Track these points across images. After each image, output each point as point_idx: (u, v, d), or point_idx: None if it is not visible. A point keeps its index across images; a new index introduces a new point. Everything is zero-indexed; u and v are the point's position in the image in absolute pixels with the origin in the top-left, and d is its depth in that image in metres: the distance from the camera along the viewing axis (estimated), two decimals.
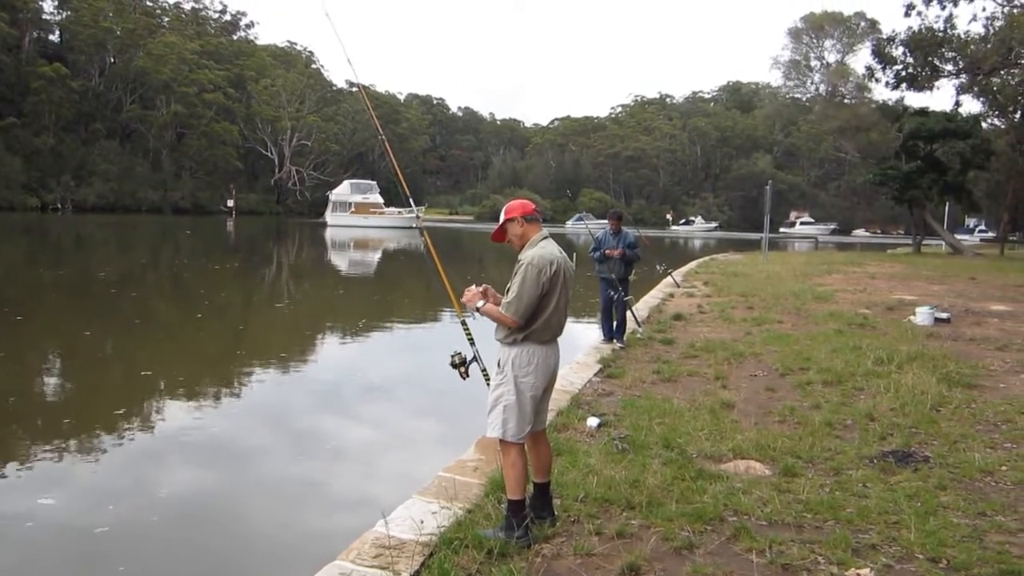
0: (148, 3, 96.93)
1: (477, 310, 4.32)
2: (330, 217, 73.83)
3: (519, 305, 4.16)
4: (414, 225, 6.04)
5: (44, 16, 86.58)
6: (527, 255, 4.27)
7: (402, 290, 24.61)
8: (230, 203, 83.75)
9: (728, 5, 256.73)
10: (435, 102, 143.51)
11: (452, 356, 4.61)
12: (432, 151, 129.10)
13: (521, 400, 4.24)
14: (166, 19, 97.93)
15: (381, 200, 76.09)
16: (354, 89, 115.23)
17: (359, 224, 70.03)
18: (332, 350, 13.87)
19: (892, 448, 6.01)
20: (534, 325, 4.24)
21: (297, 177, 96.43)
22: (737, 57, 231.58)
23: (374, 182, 79.62)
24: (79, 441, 7.76)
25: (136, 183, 78.88)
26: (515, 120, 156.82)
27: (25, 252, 32.61)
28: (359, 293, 23.54)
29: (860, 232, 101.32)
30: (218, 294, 21.22)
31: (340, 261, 37.35)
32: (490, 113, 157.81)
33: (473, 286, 4.40)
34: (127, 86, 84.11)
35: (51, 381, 10.85)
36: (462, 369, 4.61)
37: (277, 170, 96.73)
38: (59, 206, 72.02)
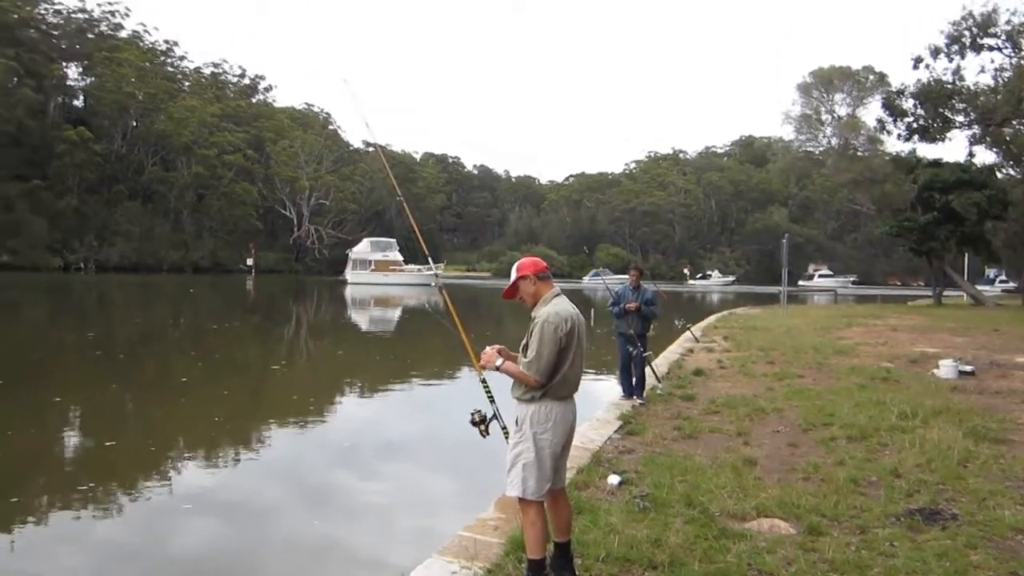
0: (169, 68, 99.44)
1: (497, 368, 4.33)
2: (350, 275, 74.38)
3: (539, 364, 4.18)
4: (432, 283, 6.12)
5: (69, 82, 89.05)
6: (542, 313, 4.30)
7: (421, 347, 24.61)
8: (250, 262, 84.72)
9: (738, 62, 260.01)
10: (451, 160, 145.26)
11: (472, 414, 4.62)
12: (449, 208, 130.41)
13: (540, 457, 4.24)
14: (187, 83, 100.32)
15: (400, 257, 76.70)
16: (371, 149, 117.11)
17: (379, 282, 70.43)
18: (351, 407, 13.87)
19: (919, 505, 5.90)
20: (552, 382, 4.24)
21: (316, 236, 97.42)
22: (749, 112, 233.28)
23: (393, 240, 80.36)
24: (96, 498, 7.77)
25: (157, 243, 79.96)
26: (530, 177, 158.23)
27: (48, 312, 32.95)
28: (379, 350, 23.57)
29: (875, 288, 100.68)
30: (237, 352, 21.33)
31: (360, 319, 37.47)
32: (505, 170, 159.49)
33: (488, 347, 4.41)
34: (149, 148, 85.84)
35: (70, 439, 10.85)
36: (482, 427, 4.62)
37: (296, 229, 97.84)
38: (82, 266, 73.03)
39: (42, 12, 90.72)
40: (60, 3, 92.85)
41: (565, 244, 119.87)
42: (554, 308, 4.30)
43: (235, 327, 29.02)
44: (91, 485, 8.11)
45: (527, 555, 4.32)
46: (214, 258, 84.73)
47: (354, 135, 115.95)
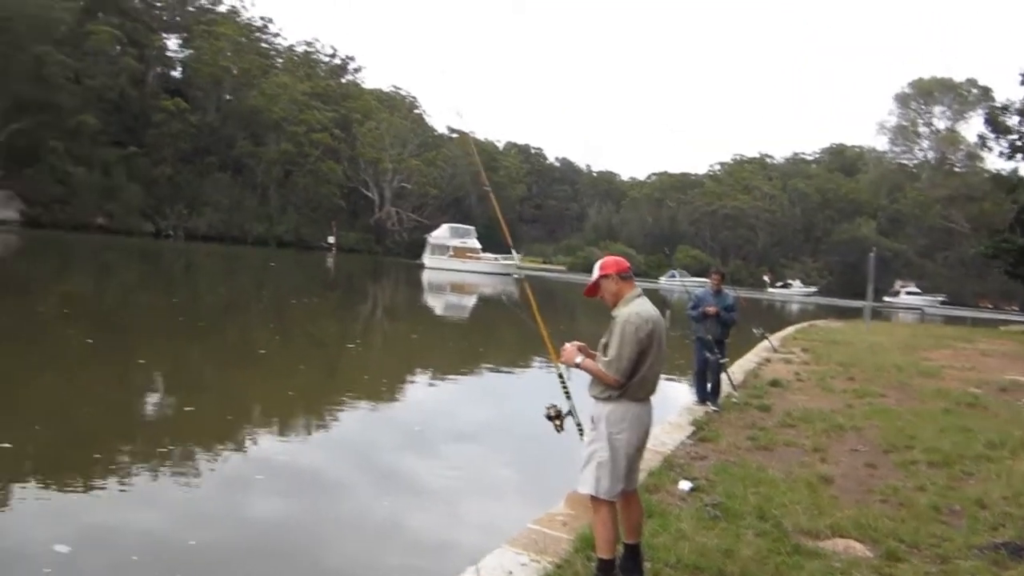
0: (264, 45, 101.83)
1: (577, 365, 4.34)
2: (428, 259, 75.10)
3: (619, 364, 4.18)
4: (515, 275, 6.11)
5: (168, 53, 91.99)
6: (623, 312, 4.30)
7: (494, 336, 24.75)
8: (331, 239, 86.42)
9: (831, 67, 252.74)
10: (533, 151, 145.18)
11: (547, 408, 4.63)
12: (529, 200, 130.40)
13: (615, 457, 4.24)
14: (280, 60, 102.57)
15: (479, 245, 76.99)
16: (455, 135, 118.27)
17: (456, 268, 70.86)
18: (422, 391, 14.00)
19: (1005, 539, 5.63)
20: (630, 382, 4.24)
21: (396, 218, 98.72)
22: (841, 119, 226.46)
23: (472, 227, 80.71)
24: (174, 461, 8.03)
25: (244, 215, 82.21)
26: (612, 173, 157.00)
27: (138, 276, 34.22)
28: (453, 336, 23.78)
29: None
30: (314, 328, 21.79)
31: (436, 303, 37.85)
32: (587, 165, 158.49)
33: (568, 343, 4.42)
34: (241, 122, 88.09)
35: (152, 401, 11.25)
36: (557, 422, 4.62)
37: (377, 210, 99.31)
38: (171, 233, 75.54)
39: None
40: None
41: (643, 243, 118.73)
42: (635, 308, 4.30)
43: (313, 303, 29.64)
44: (170, 448, 8.39)
45: (597, 554, 4.32)
46: (297, 233, 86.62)
47: (439, 120, 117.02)
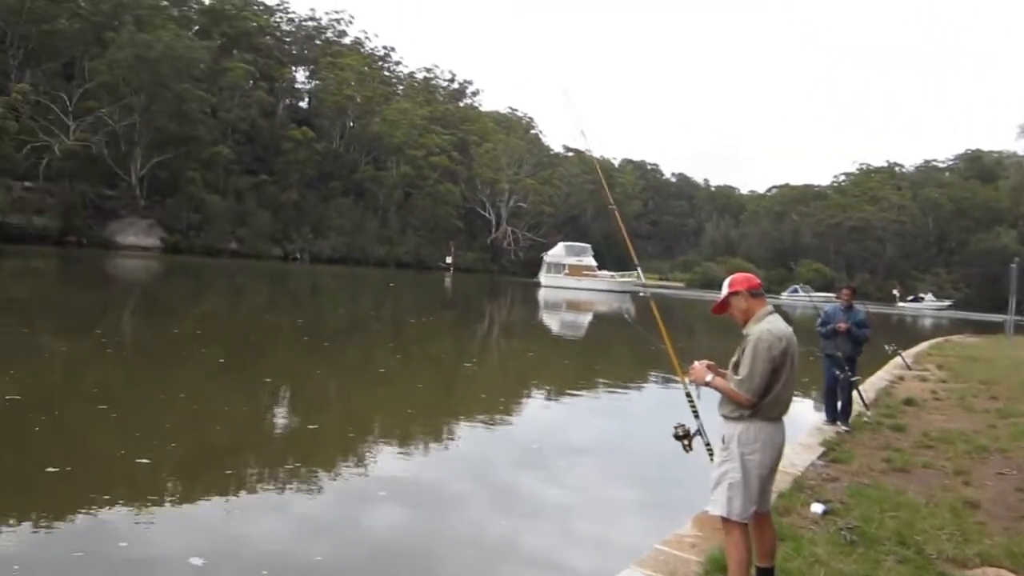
0: (386, 73, 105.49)
1: (707, 384, 4.26)
2: (544, 278, 75.39)
3: (752, 383, 4.07)
4: (640, 293, 6.12)
5: (296, 85, 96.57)
6: (755, 330, 4.18)
7: (611, 354, 24.51)
8: (449, 260, 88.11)
9: (964, 70, 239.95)
10: (649, 167, 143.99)
11: (675, 428, 4.58)
12: (644, 216, 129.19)
13: (747, 478, 4.12)
14: (401, 87, 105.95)
15: (595, 263, 76.81)
16: (570, 154, 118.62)
17: (572, 286, 70.87)
18: (539, 409, 13.93)
19: None
20: (764, 401, 4.12)
21: (512, 237, 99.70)
22: (976, 124, 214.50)
23: (588, 245, 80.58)
24: (299, 476, 8.20)
25: (366, 238, 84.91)
26: (730, 187, 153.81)
27: (266, 298, 35.77)
28: (569, 354, 23.68)
29: None
30: (432, 347, 22.12)
31: (552, 321, 37.83)
32: (704, 179, 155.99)
33: (697, 362, 4.35)
34: (363, 148, 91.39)
35: (278, 419, 11.60)
36: (685, 442, 4.57)
37: (494, 230, 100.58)
38: (298, 256, 78.73)
39: (277, 20, 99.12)
40: (293, 12, 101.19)
41: (764, 257, 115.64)
42: (768, 326, 4.18)
43: (431, 322, 30.16)
44: (296, 464, 8.56)
45: None
46: (416, 254, 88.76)
47: (554, 140, 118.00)
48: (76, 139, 65.49)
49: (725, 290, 4.42)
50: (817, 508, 6.18)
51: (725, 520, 4.18)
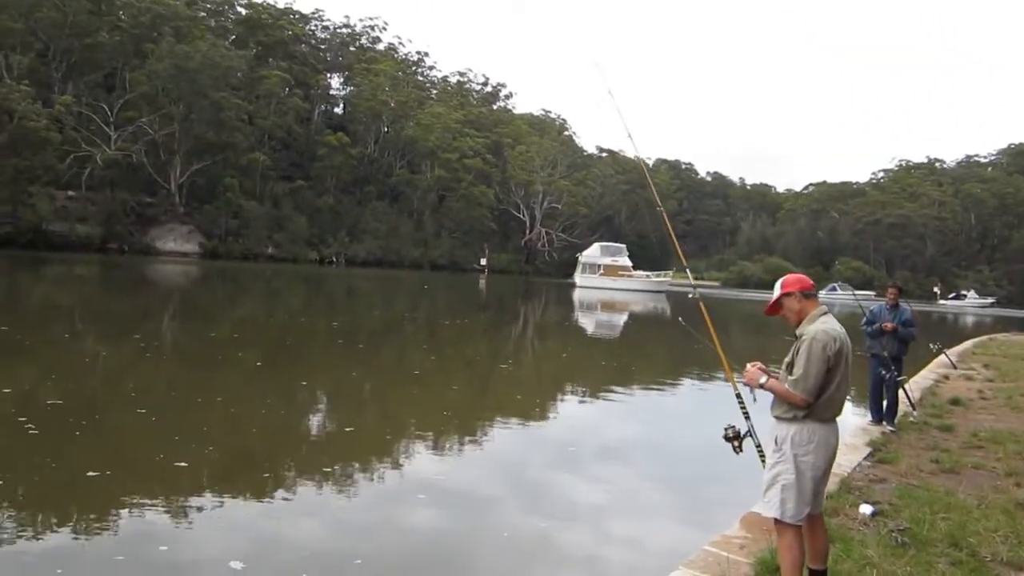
0: (419, 78, 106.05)
1: (760, 386, 4.24)
2: (579, 278, 75.27)
3: (806, 383, 4.04)
4: (691, 294, 6.14)
5: (331, 91, 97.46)
6: (809, 331, 4.16)
7: (647, 354, 24.34)
8: (483, 261, 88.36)
9: (1007, 62, 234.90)
10: (683, 167, 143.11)
11: (726, 429, 4.59)
12: (679, 215, 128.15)
13: (801, 480, 4.10)
14: (434, 91, 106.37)
15: (630, 263, 76.59)
16: (603, 155, 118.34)
17: (607, 286, 70.70)
18: (574, 410, 13.82)
19: None
20: (818, 402, 4.09)
21: (546, 238, 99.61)
22: (1021, 118, 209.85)
23: (623, 245, 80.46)
24: (335, 478, 8.21)
25: (400, 241, 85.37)
26: (766, 185, 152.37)
27: (303, 301, 36.05)
28: (604, 354, 23.54)
29: None
30: (467, 348, 22.12)
31: (587, 322, 37.67)
32: (740, 178, 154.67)
33: (749, 364, 4.34)
34: (397, 152, 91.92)
35: (314, 421, 11.63)
36: (736, 443, 4.56)
37: (528, 231, 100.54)
38: (334, 260, 79.38)
39: (312, 28, 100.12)
40: (328, 20, 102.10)
41: (801, 255, 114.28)
42: (822, 326, 4.16)
43: (466, 323, 30.17)
44: (333, 467, 8.55)
45: None
46: (451, 256, 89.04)
47: (587, 141, 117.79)
48: (117, 148, 66.78)
49: (777, 291, 4.40)
50: (866, 509, 6.07)
51: (778, 522, 4.16)
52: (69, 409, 10.16)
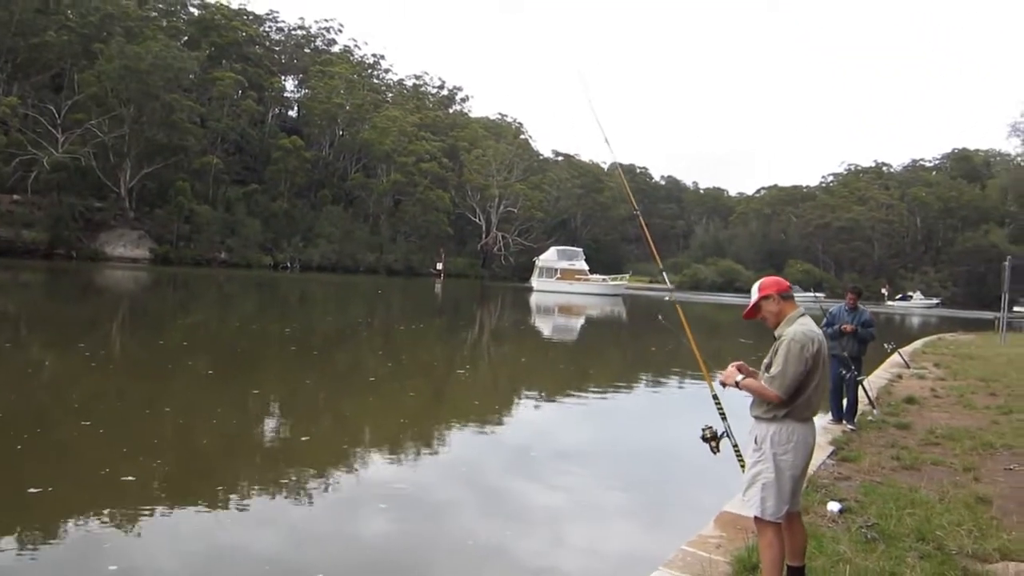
0: (375, 80, 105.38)
1: (736, 384, 4.31)
2: (536, 282, 75.34)
3: (783, 380, 4.12)
4: (667, 297, 6.27)
5: (286, 94, 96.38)
6: (788, 332, 4.25)
7: (603, 357, 24.36)
8: (439, 266, 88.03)
9: (951, 69, 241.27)
10: (638, 171, 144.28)
11: (703, 430, 4.69)
12: (633, 219, 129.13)
13: (780, 479, 4.19)
14: (390, 95, 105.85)
15: (587, 267, 76.92)
16: (559, 159, 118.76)
17: (564, 290, 70.86)
18: (532, 414, 13.71)
19: None
20: (796, 402, 4.17)
21: (503, 243, 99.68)
22: (963, 123, 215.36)
23: (580, 249, 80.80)
24: (289, 487, 7.99)
25: (356, 245, 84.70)
26: (719, 189, 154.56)
27: (256, 307, 35.52)
28: (562, 358, 23.53)
29: None
30: (423, 354, 21.91)
31: (544, 326, 37.66)
32: (693, 182, 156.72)
33: (731, 365, 4.42)
34: (353, 156, 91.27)
35: (267, 430, 11.34)
36: (713, 443, 4.68)
37: (484, 235, 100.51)
38: (288, 265, 78.42)
39: (266, 30, 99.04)
40: (283, 21, 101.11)
41: (753, 258, 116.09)
42: (801, 328, 4.25)
43: (421, 329, 29.94)
44: (289, 476, 8.36)
45: None
46: (407, 261, 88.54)
47: (544, 144, 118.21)
48: (65, 151, 65.10)
49: (755, 295, 4.46)
50: (834, 507, 6.22)
51: (758, 520, 4.24)
52: (8, 422, 9.73)
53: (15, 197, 63.86)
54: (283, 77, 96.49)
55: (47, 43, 66.86)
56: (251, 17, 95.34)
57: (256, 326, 26.21)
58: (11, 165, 62.53)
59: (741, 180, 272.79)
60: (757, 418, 4.29)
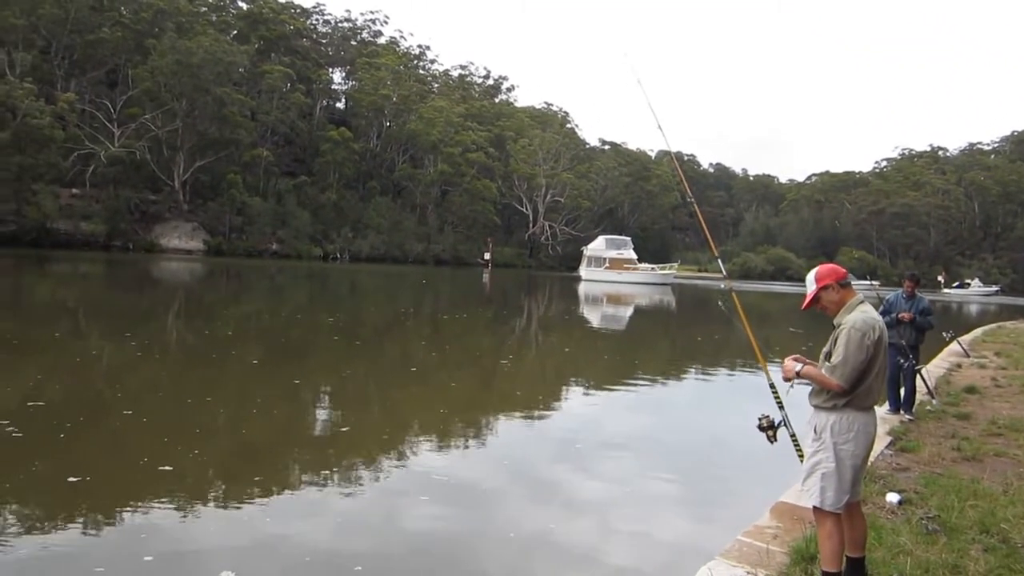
0: (421, 71, 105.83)
1: (797, 374, 4.24)
2: (584, 272, 75.02)
3: (845, 369, 4.04)
4: (723, 286, 6.25)
5: (334, 86, 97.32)
6: (848, 319, 4.17)
7: (651, 347, 24.16)
8: (487, 256, 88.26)
9: (1012, 48, 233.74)
10: (686, 158, 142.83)
11: (760, 419, 4.63)
12: (682, 207, 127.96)
13: (841, 468, 4.11)
14: (436, 85, 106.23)
15: (635, 256, 76.28)
16: (606, 147, 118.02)
17: (613, 279, 70.40)
18: (577, 405, 13.51)
19: None
20: (857, 390, 4.09)
21: (550, 232, 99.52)
22: (1023, 103, 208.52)
23: (628, 238, 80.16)
24: (334, 477, 7.97)
25: (404, 236, 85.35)
26: (769, 176, 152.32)
27: (306, 297, 35.93)
28: (608, 348, 23.38)
29: None
30: (468, 343, 21.89)
31: (592, 315, 37.45)
32: (743, 169, 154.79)
33: (788, 358, 4.35)
34: (400, 147, 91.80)
35: (311, 420, 11.33)
36: (770, 432, 4.62)
37: (531, 225, 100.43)
38: (338, 256, 79.36)
39: (313, 23, 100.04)
40: (329, 14, 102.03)
41: (804, 246, 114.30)
42: (861, 315, 4.16)
43: (467, 318, 29.98)
44: (330, 467, 8.32)
45: (822, 567, 4.21)
46: (454, 251, 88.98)
47: (590, 133, 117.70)
48: (121, 145, 66.73)
49: (813, 285, 4.36)
50: (892, 498, 6.06)
51: (818, 510, 4.20)
52: (53, 411, 9.81)
53: (74, 191, 65.62)
54: (330, 69, 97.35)
55: (102, 39, 68.50)
56: (298, 10, 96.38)
57: (303, 316, 26.50)
58: (70, 160, 64.20)
59: (791, 167, 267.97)
60: (817, 407, 4.23)
